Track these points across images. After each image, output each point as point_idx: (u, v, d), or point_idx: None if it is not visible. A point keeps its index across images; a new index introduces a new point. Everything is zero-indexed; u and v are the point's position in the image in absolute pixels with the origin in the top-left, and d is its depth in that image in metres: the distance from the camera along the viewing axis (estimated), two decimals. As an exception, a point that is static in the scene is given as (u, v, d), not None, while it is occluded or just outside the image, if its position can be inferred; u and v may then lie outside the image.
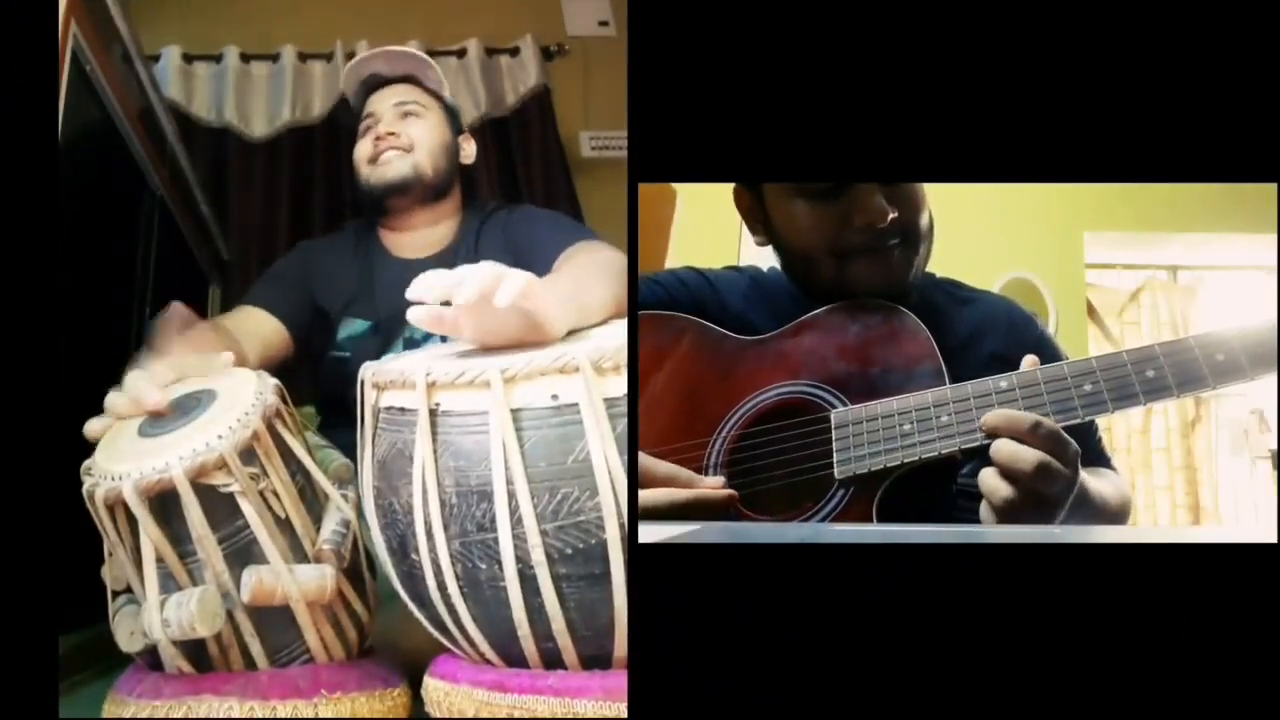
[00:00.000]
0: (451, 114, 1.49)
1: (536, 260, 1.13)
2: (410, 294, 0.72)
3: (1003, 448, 0.72)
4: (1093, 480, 0.82)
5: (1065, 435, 0.73)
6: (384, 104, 1.43)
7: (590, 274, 0.96)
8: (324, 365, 1.38)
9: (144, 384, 0.81)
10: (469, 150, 1.49)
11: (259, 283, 1.42)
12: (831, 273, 0.97)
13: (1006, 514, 0.71)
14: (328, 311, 1.39)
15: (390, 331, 1.36)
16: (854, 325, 0.94)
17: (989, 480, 0.72)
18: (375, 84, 1.46)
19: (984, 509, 0.73)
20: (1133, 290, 2.73)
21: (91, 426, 0.81)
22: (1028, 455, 0.71)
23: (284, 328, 1.33)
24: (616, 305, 0.91)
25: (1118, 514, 0.89)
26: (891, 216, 0.93)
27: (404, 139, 1.40)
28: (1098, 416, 0.78)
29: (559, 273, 1.08)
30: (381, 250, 1.43)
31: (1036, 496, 0.71)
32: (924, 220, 0.97)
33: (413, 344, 1.33)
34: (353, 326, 1.38)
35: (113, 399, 0.81)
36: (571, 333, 0.80)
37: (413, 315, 0.72)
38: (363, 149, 1.42)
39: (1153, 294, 2.71)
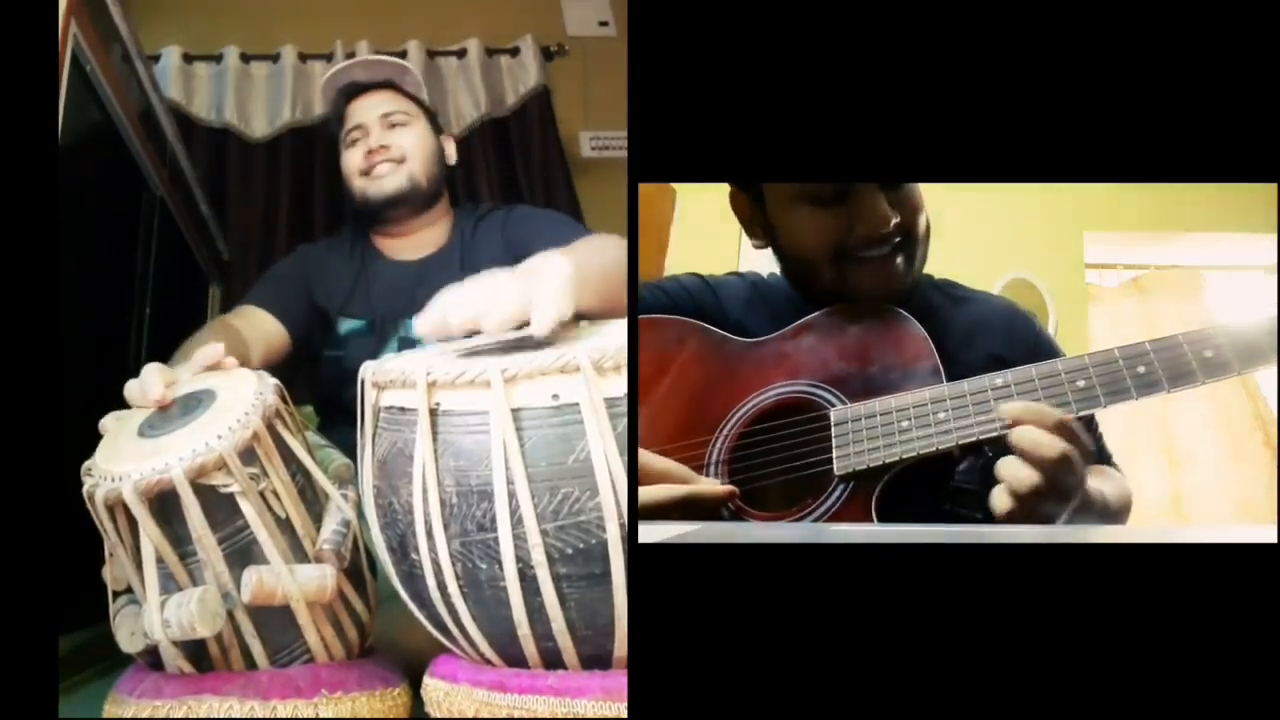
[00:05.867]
0: (432, 117, 1.51)
1: None
2: (428, 328, 0.73)
3: (1026, 434, 0.72)
4: (1093, 479, 0.82)
5: (1083, 431, 0.73)
6: (369, 114, 1.43)
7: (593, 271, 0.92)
8: (320, 364, 1.39)
9: (153, 375, 0.83)
10: (450, 150, 1.51)
11: (259, 283, 1.44)
12: (832, 277, 0.97)
13: (1029, 499, 0.71)
14: (326, 311, 1.40)
15: (385, 331, 1.37)
16: (852, 326, 0.95)
17: (1011, 467, 0.72)
18: (354, 91, 1.47)
19: (999, 497, 0.72)
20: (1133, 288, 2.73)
21: (106, 423, 0.84)
22: (1051, 442, 0.71)
23: (284, 328, 1.34)
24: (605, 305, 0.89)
25: (1118, 512, 0.89)
26: (894, 222, 0.93)
27: (395, 150, 1.41)
28: (1092, 411, 0.78)
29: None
30: (375, 253, 1.45)
31: (1056, 484, 0.71)
32: (921, 224, 0.98)
33: (408, 344, 1.33)
34: (348, 326, 1.39)
35: (130, 386, 0.84)
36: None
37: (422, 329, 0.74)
38: (353, 161, 1.43)
39: (1156, 289, 2.70)
